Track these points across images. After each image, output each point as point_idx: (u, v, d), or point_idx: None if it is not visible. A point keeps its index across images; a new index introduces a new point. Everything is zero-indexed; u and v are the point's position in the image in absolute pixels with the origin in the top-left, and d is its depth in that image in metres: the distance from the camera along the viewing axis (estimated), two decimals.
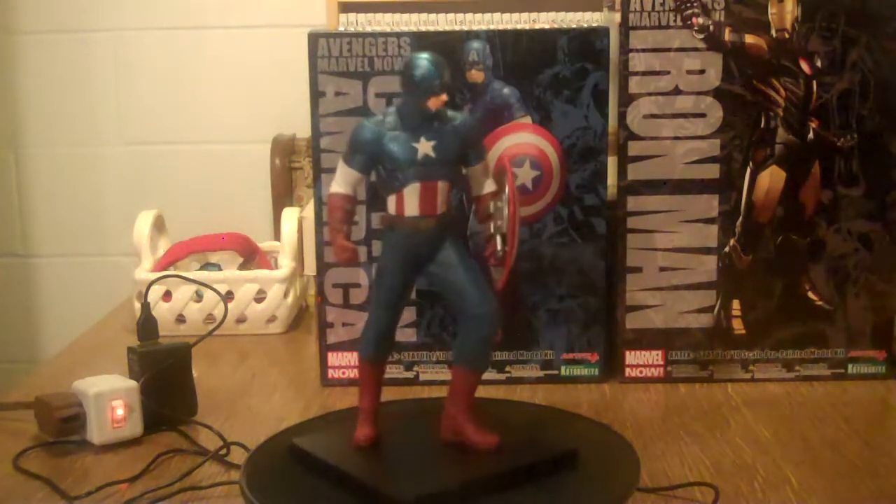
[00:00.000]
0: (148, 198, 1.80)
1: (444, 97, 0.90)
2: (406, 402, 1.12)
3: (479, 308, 0.92)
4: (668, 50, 1.17)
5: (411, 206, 0.92)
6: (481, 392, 1.16)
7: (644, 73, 1.18)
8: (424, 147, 0.91)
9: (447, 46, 1.16)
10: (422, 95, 0.90)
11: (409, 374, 1.23)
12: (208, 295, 1.43)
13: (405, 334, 1.22)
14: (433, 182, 0.92)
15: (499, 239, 0.94)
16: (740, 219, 1.21)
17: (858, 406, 1.16)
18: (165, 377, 1.11)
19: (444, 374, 1.22)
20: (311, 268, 1.29)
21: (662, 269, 1.21)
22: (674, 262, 1.21)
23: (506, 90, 1.18)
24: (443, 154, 0.92)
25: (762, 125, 1.19)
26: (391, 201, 0.93)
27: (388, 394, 1.16)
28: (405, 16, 1.63)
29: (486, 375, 1.22)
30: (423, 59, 0.90)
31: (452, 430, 0.95)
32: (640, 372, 1.23)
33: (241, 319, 1.46)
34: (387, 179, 0.92)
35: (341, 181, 0.94)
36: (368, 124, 0.92)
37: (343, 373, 1.24)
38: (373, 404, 0.96)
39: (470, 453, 0.93)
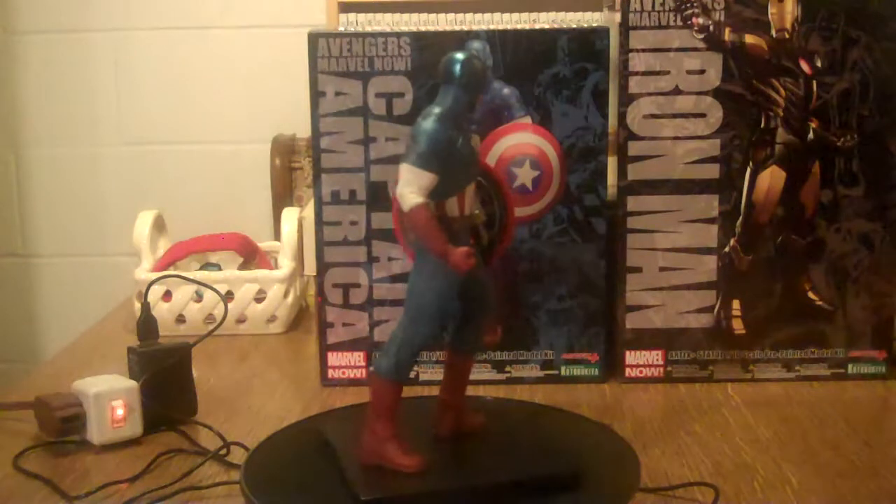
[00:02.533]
0: (148, 198, 1.80)
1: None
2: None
3: (493, 295, 0.95)
4: (668, 50, 1.17)
5: (469, 204, 0.90)
6: (480, 391, 1.17)
7: (644, 73, 1.18)
8: (476, 143, 0.91)
9: (447, 46, 1.16)
10: (477, 93, 0.89)
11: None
12: (208, 295, 1.43)
13: None
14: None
15: (481, 228, 0.94)
16: (740, 219, 1.21)
17: (858, 406, 1.16)
18: (165, 377, 1.11)
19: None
20: (311, 268, 1.29)
21: (662, 269, 1.21)
22: (674, 262, 1.21)
23: (506, 90, 1.18)
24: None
25: (762, 125, 1.19)
26: (453, 203, 0.89)
27: None
28: (405, 16, 1.63)
29: (486, 375, 1.22)
30: (473, 58, 0.88)
31: (450, 424, 0.95)
32: (640, 372, 1.23)
33: (241, 319, 1.46)
34: (451, 180, 0.88)
35: (420, 189, 0.86)
36: (438, 125, 0.87)
37: (343, 373, 1.24)
38: (398, 428, 0.91)
39: (472, 452, 0.93)
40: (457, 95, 0.88)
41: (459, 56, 0.89)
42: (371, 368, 0.91)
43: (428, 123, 0.87)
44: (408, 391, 1.17)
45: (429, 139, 0.86)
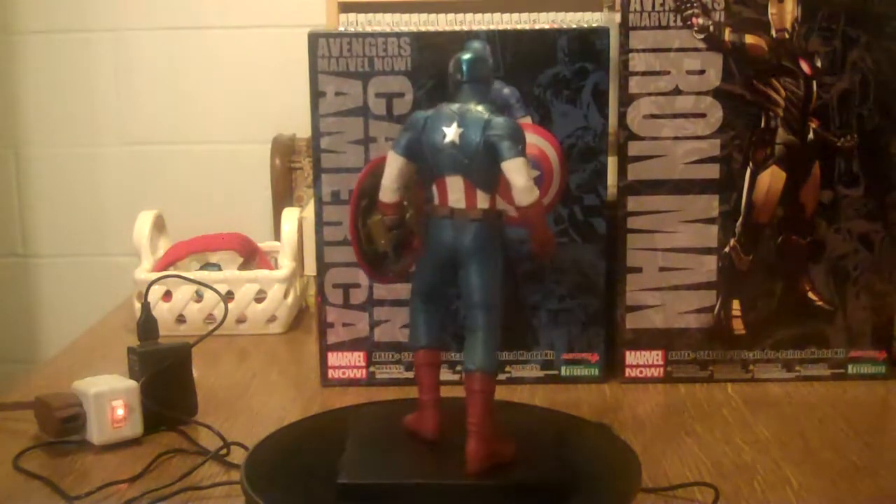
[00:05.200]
0: (148, 198, 1.80)
1: None
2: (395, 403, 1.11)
3: None
4: (668, 50, 1.17)
5: None
6: None
7: (644, 74, 1.18)
8: None
9: (447, 46, 1.16)
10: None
11: (410, 374, 1.23)
12: (208, 295, 1.43)
13: (405, 334, 1.22)
14: None
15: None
16: (740, 219, 1.21)
17: (858, 406, 1.16)
18: (165, 377, 1.11)
19: (444, 373, 1.21)
20: (311, 268, 1.29)
21: (662, 269, 1.21)
22: (674, 262, 1.21)
23: (506, 90, 1.18)
24: None
25: (762, 125, 1.19)
26: (495, 195, 0.90)
27: (387, 394, 1.17)
28: (405, 16, 1.63)
29: None
30: (479, 52, 0.91)
31: (438, 424, 0.95)
32: (641, 372, 1.23)
33: (241, 319, 1.46)
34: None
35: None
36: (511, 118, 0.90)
37: (343, 373, 1.24)
38: None
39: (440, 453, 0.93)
40: (484, 90, 0.90)
41: (468, 56, 0.90)
42: (476, 373, 0.89)
43: (504, 119, 0.88)
44: (409, 391, 1.17)
45: (519, 132, 0.88)
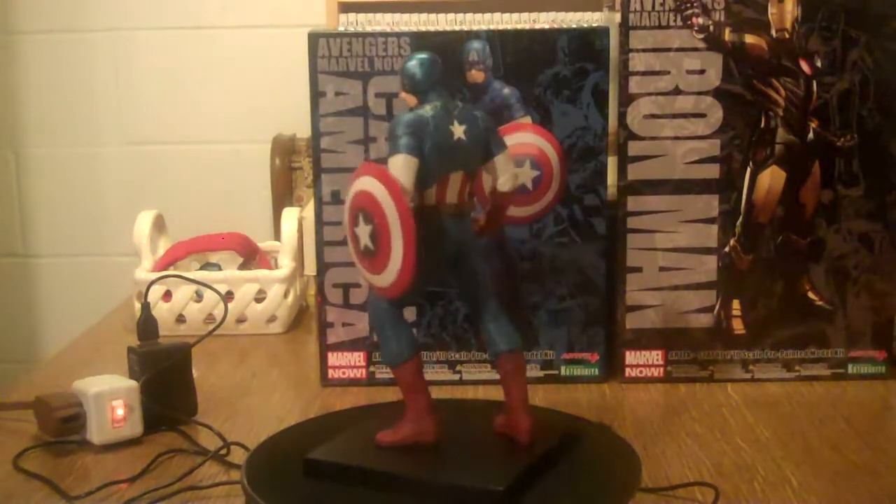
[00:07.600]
0: (148, 198, 1.80)
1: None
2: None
3: None
4: (668, 50, 1.17)
5: None
6: (481, 393, 1.17)
7: (644, 73, 1.18)
8: None
9: (447, 46, 1.17)
10: None
11: None
12: (208, 295, 1.43)
13: None
14: None
15: None
16: (740, 219, 1.21)
17: (858, 406, 1.16)
18: (165, 377, 1.11)
19: (444, 373, 1.22)
20: (311, 267, 1.29)
21: (662, 268, 1.21)
22: (674, 261, 1.21)
23: (506, 90, 1.18)
24: None
25: (762, 125, 1.19)
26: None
27: (387, 394, 1.17)
28: (405, 16, 1.63)
29: (486, 375, 1.22)
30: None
31: (437, 427, 0.95)
32: (641, 372, 1.23)
33: (241, 319, 1.46)
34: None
35: None
36: None
37: (343, 373, 1.24)
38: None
39: (472, 452, 0.92)
40: (445, 90, 0.92)
41: (429, 56, 0.92)
42: (512, 353, 0.92)
43: (484, 112, 0.93)
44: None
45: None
